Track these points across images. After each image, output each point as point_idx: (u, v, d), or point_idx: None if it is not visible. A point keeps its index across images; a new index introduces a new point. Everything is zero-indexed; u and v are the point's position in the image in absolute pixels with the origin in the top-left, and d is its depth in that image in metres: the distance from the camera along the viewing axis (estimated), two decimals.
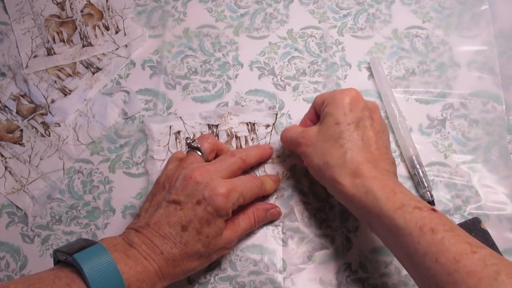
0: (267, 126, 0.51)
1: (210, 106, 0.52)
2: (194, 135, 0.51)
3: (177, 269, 0.39)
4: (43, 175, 0.50)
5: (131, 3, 0.58)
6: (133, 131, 0.52)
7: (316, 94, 0.52)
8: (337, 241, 0.46)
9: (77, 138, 0.52)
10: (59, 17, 0.58)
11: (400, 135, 0.49)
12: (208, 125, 0.51)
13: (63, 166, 0.51)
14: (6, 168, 0.51)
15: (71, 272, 0.35)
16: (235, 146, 0.50)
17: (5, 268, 0.46)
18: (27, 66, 0.55)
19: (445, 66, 0.53)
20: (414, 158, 0.48)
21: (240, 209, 0.43)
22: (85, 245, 0.36)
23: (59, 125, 0.52)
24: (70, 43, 0.56)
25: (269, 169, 0.49)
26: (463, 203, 0.47)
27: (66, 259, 0.36)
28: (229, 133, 0.51)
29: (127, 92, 0.53)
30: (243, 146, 0.50)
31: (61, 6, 0.58)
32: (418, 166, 0.47)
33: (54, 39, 0.56)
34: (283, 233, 0.47)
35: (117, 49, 0.56)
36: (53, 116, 0.53)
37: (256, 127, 0.51)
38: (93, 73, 0.55)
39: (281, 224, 0.47)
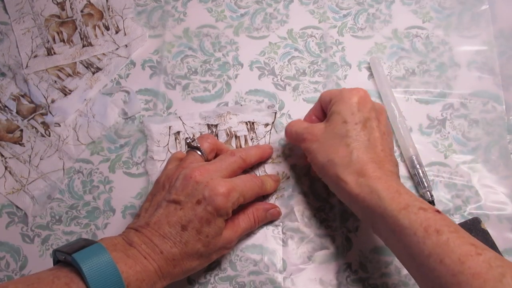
0: (267, 125, 0.51)
1: (210, 106, 0.52)
2: (193, 135, 0.51)
3: (176, 269, 0.39)
4: (43, 175, 0.50)
5: (131, 3, 0.58)
6: (133, 131, 0.52)
7: (316, 94, 0.52)
8: (337, 241, 0.46)
9: (77, 138, 0.52)
10: (59, 17, 0.58)
11: (400, 135, 0.49)
12: (208, 125, 0.51)
13: (63, 166, 0.51)
14: (6, 168, 0.51)
15: (70, 271, 0.34)
16: (234, 146, 0.50)
17: (5, 268, 0.46)
18: (27, 66, 0.55)
19: (445, 66, 0.53)
20: (414, 158, 0.48)
21: (240, 209, 0.43)
22: (84, 244, 0.36)
23: (59, 125, 0.52)
24: (70, 43, 0.56)
25: (269, 169, 0.49)
26: (463, 203, 0.47)
27: (66, 258, 0.36)
28: (229, 133, 0.51)
29: (127, 92, 0.53)
30: (243, 145, 0.50)
31: (61, 6, 0.58)
32: (418, 166, 0.47)
33: (54, 39, 0.57)
34: (283, 233, 0.47)
35: (117, 49, 0.56)
36: (53, 116, 0.53)
37: (256, 126, 0.51)
38: (93, 73, 0.55)
39: (281, 224, 0.47)
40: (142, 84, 0.54)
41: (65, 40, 0.56)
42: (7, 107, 0.54)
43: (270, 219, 0.47)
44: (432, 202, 0.46)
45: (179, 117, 0.52)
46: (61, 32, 0.57)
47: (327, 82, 0.53)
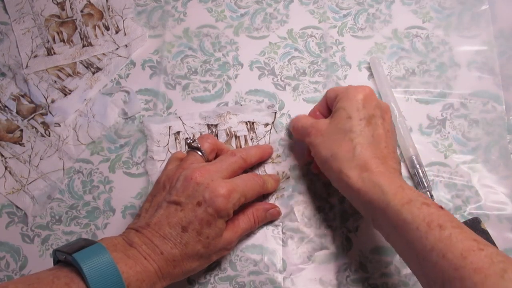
0: (266, 125, 0.51)
1: (210, 106, 0.52)
2: (193, 135, 0.51)
3: (176, 270, 0.39)
4: (43, 175, 0.50)
5: (131, 3, 0.58)
6: (133, 131, 0.52)
7: (316, 94, 0.52)
8: (337, 241, 0.46)
9: (77, 138, 0.52)
10: (59, 17, 0.58)
11: (400, 135, 0.49)
12: (207, 125, 0.51)
13: (63, 166, 0.51)
14: (6, 168, 0.51)
15: (70, 271, 0.34)
16: (234, 146, 0.50)
17: (5, 268, 0.46)
18: (27, 66, 0.55)
19: (445, 66, 0.53)
20: (414, 158, 0.48)
21: (239, 209, 0.43)
22: (84, 244, 0.36)
23: (59, 125, 0.52)
24: (70, 43, 0.56)
25: (269, 169, 0.49)
26: (463, 203, 0.47)
27: (66, 258, 0.36)
28: (229, 133, 0.51)
29: (127, 92, 0.53)
30: (243, 145, 0.50)
31: (61, 6, 0.58)
32: (418, 166, 0.47)
33: (54, 39, 0.56)
34: (283, 233, 0.47)
35: (117, 49, 0.56)
36: (53, 116, 0.53)
37: (255, 126, 0.51)
38: (93, 73, 0.55)
39: (281, 224, 0.47)
40: (142, 84, 0.54)
41: (65, 40, 0.56)
42: (7, 107, 0.54)
43: (270, 219, 0.47)
44: None
45: (179, 117, 0.52)
46: (61, 32, 0.57)
47: (327, 82, 0.53)
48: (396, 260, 0.45)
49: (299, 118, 0.47)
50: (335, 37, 0.55)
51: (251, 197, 0.43)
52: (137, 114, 0.52)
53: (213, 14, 0.57)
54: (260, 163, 0.49)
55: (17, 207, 0.49)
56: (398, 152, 0.49)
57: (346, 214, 0.47)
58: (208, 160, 0.45)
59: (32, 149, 0.52)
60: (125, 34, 0.56)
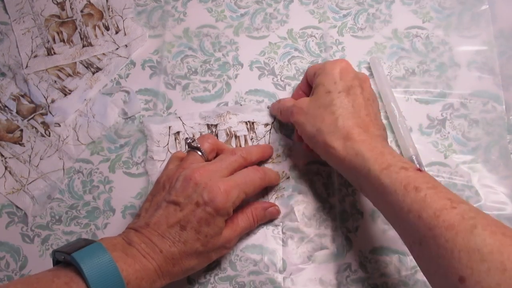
0: (266, 125, 0.51)
1: (210, 106, 0.52)
2: (193, 135, 0.51)
3: (176, 268, 0.39)
4: (43, 175, 0.50)
5: (131, 3, 0.58)
6: (133, 131, 0.52)
7: None
8: (337, 241, 0.46)
9: (77, 138, 0.52)
10: (59, 17, 0.58)
11: (400, 135, 0.49)
12: (207, 124, 0.51)
13: (63, 166, 0.51)
14: (6, 168, 0.51)
15: (70, 271, 0.34)
16: (234, 146, 0.50)
17: (5, 268, 0.46)
18: (27, 66, 0.55)
19: (445, 66, 0.53)
20: (414, 158, 0.48)
21: (238, 208, 0.43)
22: (84, 244, 0.36)
23: (59, 125, 0.52)
24: (70, 43, 0.56)
25: None
26: None
27: (65, 258, 0.36)
28: (228, 133, 0.51)
29: (127, 92, 0.53)
30: (243, 145, 0.50)
31: (61, 6, 0.58)
32: (418, 166, 0.47)
33: (54, 39, 0.57)
34: (283, 233, 0.47)
35: (117, 49, 0.56)
36: (53, 116, 0.53)
37: (255, 126, 0.51)
38: (93, 73, 0.55)
39: (281, 224, 0.47)
40: (142, 84, 0.54)
41: (65, 40, 0.57)
42: (7, 107, 0.54)
43: (269, 218, 0.47)
44: None
45: (179, 117, 0.52)
46: (61, 32, 0.57)
47: None
48: (396, 260, 0.45)
49: (280, 101, 0.49)
50: (335, 37, 0.55)
51: (252, 191, 0.43)
52: (137, 114, 0.52)
53: (213, 14, 0.57)
54: (260, 162, 0.49)
55: (17, 207, 0.49)
56: (398, 152, 0.49)
57: (346, 214, 0.47)
58: (208, 160, 0.45)
59: (32, 149, 0.52)
60: (125, 34, 0.56)
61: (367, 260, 0.45)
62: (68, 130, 0.52)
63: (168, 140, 0.51)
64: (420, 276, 0.44)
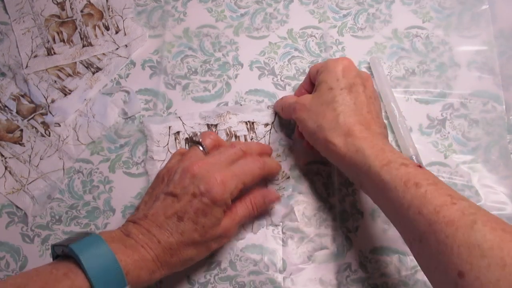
0: (266, 125, 0.51)
1: (210, 106, 0.52)
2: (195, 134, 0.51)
3: (174, 258, 0.39)
4: (43, 175, 0.50)
5: (131, 3, 0.58)
6: (133, 131, 0.52)
7: None
8: (337, 241, 0.46)
9: (77, 138, 0.52)
10: (59, 17, 0.58)
11: (400, 135, 0.49)
12: (207, 124, 0.51)
13: (63, 166, 0.51)
14: (6, 168, 0.51)
15: (69, 263, 0.34)
16: None
17: (5, 268, 0.46)
18: (27, 66, 0.55)
19: (445, 66, 0.53)
20: (414, 158, 0.48)
21: (237, 197, 0.43)
22: (82, 237, 0.36)
23: (59, 125, 0.52)
24: (70, 43, 0.56)
25: None
26: None
27: (63, 251, 0.36)
28: (228, 133, 0.51)
29: (127, 92, 0.53)
30: None
31: (61, 6, 0.58)
32: None
33: (54, 39, 0.57)
34: (283, 233, 0.47)
35: (117, 49, 0.56)
36: (53, 116, 0.53)
37: (255, 126, 0.51)
38: (93, 73, 0.55)
39: (281, 224, 0.47)
40: (142, 84, 0.54)
41: (65, 40, 0.57)
42: (7, 107, 0.54)
43: (268, 204, 0.46)
44: None
45: (179, 117, 0.52)
46: (61, 32, 0.57)
47: None
48: (396, 260, 0.45)
49: (282, 98, 0.49)
50: (335, 37, 0.55)
51: (251, 181, 0.43)
52: (137, 114, 0.52)
53: (213, 14, 0.57)
54: None
55: (17, 207, 0.49)
56: (397, 149, 0.49)
57: (346, 214, 0.47)
58: None
59: (32, 149, 0.52)
60: (125, 34, 0.56)
61: (367, 260, 0.45)
62: (68, 130, 0.52)
63: (168, 140, 0.51)
64: (420, 276, 0.44)
